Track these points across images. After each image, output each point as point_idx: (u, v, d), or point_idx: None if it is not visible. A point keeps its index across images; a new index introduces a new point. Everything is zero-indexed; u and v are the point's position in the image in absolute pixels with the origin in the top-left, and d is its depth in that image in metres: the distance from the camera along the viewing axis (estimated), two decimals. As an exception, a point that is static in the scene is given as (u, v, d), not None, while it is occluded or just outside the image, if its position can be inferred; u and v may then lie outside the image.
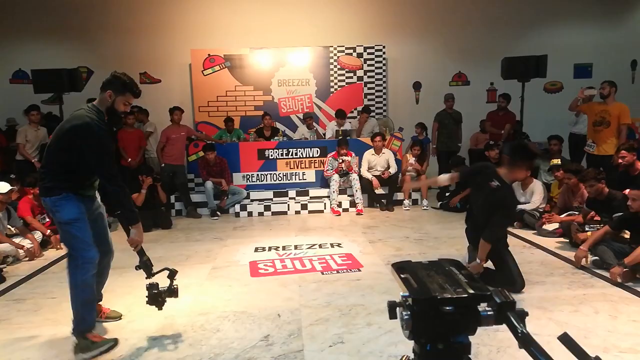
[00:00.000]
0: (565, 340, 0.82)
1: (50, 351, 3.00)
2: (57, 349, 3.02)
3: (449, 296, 0.84)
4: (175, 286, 3.14)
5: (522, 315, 0.87)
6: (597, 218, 4.90)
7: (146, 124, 8.28)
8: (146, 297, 3.12)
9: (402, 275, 0.92)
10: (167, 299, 3.16)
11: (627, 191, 4.41)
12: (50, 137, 3.05)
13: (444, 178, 4.34)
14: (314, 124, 8.75)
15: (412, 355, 0.97)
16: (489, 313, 0.86)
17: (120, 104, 3.02)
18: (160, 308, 3.16)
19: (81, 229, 2.99)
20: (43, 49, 9.52)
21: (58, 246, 5.47)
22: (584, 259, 4.32)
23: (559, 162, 6.12)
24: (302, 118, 9.12)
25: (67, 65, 7.67)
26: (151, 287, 3.12)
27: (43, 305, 3.77)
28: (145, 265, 3.17)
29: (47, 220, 5.71)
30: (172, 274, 3.15)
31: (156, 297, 3.11)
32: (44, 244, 5.48)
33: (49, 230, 5.54)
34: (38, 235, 5.39)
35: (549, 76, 7.90)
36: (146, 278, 3.15)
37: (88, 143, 2.85)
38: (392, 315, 0.91)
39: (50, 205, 2.97)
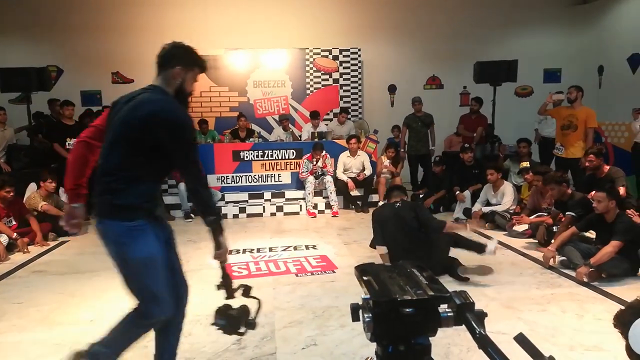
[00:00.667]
0: (521, 340, 0.84)
1: (16, 358, 2.91)
2: (23, 355, 2.94)
3: (409, 298, 0.85)
4: (252, 319, 2.39)
5: (481, 316, 0.89)
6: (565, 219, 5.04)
7: None
8: (221, 323, 2.39)
9: (365, 278, 0.93)
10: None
11: (592, 193, 4.55)
12: (107, 131, 2.22)
13: None
14: (289, 125, 8.74)
15: (374, 357, 0.98)
16: (449, 314, 0.88)
17: (190, 82, 2.41)
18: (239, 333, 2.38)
19: (157, 273, 2.23)
20: (11, 46, 9.27)
21: (25, 250, 5.32)
22: (551, 259, 4.43)
23: (528, 165, 6.27)
24: (278, 120, 9.10)
25: (37, 64, 7.50)
26: (227, 314, 2.39)
27: (8, 311, 3.66)
28: (228, 284, 2.50)
29: (14, 223, 5.55)
30: (247, 291, 2.47)
31: (236, 325, 2.38)
32: (11, 247, 5.32)
33: (15, 234, 5.38)
34: (4, 239, 5.22)
35: (519, 80, 8.10)
36: (226, 299, 2.47)
37: (174, 134, 2.12)
38: (355, 318, 0.92)
39: (119, 233, 2.15)
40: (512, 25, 10.35)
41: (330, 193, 7.30)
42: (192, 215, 7.10)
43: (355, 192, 7.50)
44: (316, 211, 7.34)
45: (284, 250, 5.27)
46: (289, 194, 7.68)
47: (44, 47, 9.36)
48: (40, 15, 9.27)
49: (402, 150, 8.46)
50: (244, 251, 5.26)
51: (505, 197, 6.07)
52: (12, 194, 5.49)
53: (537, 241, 5.21)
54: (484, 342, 0.83)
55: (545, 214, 5.45)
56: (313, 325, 3.27)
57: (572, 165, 6.32)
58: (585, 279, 3.96)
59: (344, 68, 9.76)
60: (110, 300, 3.84)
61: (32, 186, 6.32)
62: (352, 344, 2.97)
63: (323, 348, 2.94)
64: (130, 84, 9.56)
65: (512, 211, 6.04)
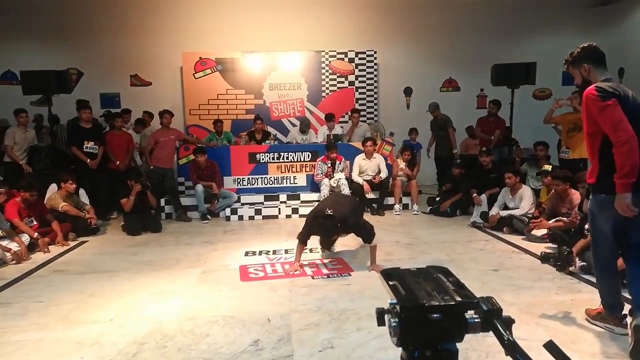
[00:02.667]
0: (551, 347, 0.83)
1: (38, 356, 2.96)
2: (45, 353, 2.98)
3: (437, 303, 0.85)
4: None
5: (509, 322, 0.88)
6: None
7: (147, 128, 8.32)
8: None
9: (391, 282, 0.93)
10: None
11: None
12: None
13: None
14: (309, 131, 8.78)
15: (400, 362, 0.97)
16: (475, 320, 0.87)
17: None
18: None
19: None
20: (33, 50, 9.47)
21: (45, 249, 5.42)
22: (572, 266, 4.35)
23: (550, 168, 6.13)
24: (298, 123, 9.07)
25: (57, 67, 7.64)
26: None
27: (30, 309, 3.73)
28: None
29: (35, 223, 5.65)
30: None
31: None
32: (32, 247, 5.42)
33: (36, 234, 5.48)
34: (25, 238, 5.32)
35: (538, 83, 8.01)
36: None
37: None
38: (381, 322, 0.92)
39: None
40: (530, 27, 10.25)
41: (346, 196, 7.29)
42: (209, 217, 7.15)
43: (370, 195, 7.48)
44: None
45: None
46: (305, 196, 7.70)
47: (64, 50, 9.54)
48: (60, 18, 9.45)
49: (427, 150, 8.69)
50: (260, 253, 5.28)
51: (524, 201, 5.99)
52: (35, 197, 5.62)
53: (556, 246, 5.13)
54: (513, 349, 0.82)
55: (565, 219, 5.37)
56: (329, 328, 3.26)
57: (579, 165, 6.29)
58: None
59: (360, 70, 9.77)
60: (129, 300, 3.89)
61: (53, 187, 6.43)
62: (369, 347, 2.96)
63: (340, 351, 2.93)
64: (148, 87, 9.69)
65: (530, 215, 5.96)
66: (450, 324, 0.86)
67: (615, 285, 3.08)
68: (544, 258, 3.92)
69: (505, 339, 0.84)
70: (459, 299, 0.87)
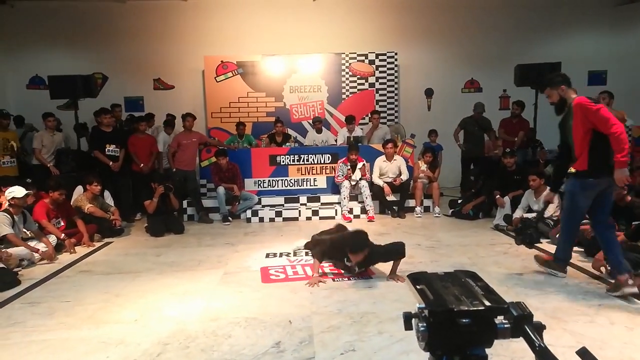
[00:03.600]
0: (584, 354, 0.81)
1: (64, 354, 3.02)
2: (71, 352, 3.05)
3: (466, 308, 0.84)
4: None
5: (540, 328, 0.86)
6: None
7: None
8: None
9: (418, 287, 0.92)
10: None
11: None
12: None
13: None
14: (322, 128, 8.77)
15: (427, 367, 0.96)
16: (505, 326, 0.86)
17: None
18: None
19: None
20: (59, 55, 9.70)
21: (72, 250, 5.54)
22: (602, 268, 4.26)
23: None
24: (311, 122, 9.12)
25: (83, 72, 7.82)
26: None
27: (57, 309, 3.81)
28: None
29: (62, 224, 5.78)
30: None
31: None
32: (59, 247, 5.54)
33: (63, 234, 5.61)
34: (53, 239, 5.45)
35: (563, 83, 7.83)
36: None
37: None
38: (408, 327, 0.91)
39: None
40: (554, 26, 10.05)
41: (366, 198, 7.27)
42: (230, 219, 7.21)
43: (391, 197, 7.44)
44: (352, 216, 7.32)
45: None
46: (325, 198, 7.70)
47: (89, 55, 9.75)
48: (85, 25, 9.67)
49: (459, 143, 8.54)
50: (281, 255, 5.30)
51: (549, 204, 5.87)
52: (64, 196, 5.75)
53: (582, 250, 5.02)
54: (544, 356, 0.81)
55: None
56: (351, 331, 3.25)
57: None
58: (636, 290, 3.78)
59: (380, 72, 9.73)
60: (152, 300, 3.95)
61: (79, 189, 6.57)
62: (391, 351, 2.94)
63: (362, 354, 2.92)
64: (170, 90, 9.83)
65: (555, 218, 5.84)
66: (480, 329, 0.84)
67: (572, 245, 4.25)
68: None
69: (537, 345, 0.82)
70: (488, 304, 0.86)
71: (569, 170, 4.01)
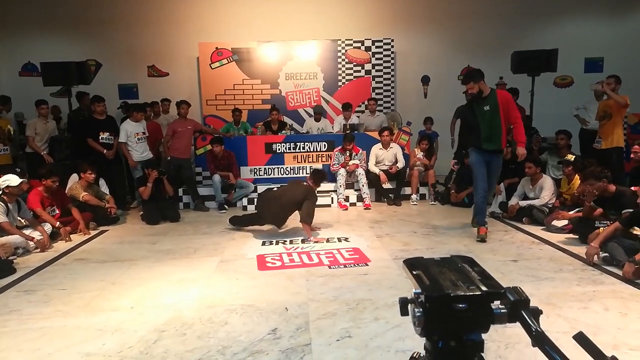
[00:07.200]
0: (581, 339, 0.81)
1: (61, 342, 3.02)
2: (68, 340, 3.05)
3: (462, 293, 0.83)
4: None
5: (536, 313, 0.86)
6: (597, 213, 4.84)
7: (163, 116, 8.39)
8: None
9: (414, 272, 0.91)
10: None
11: (636, 187, 4.37)
12: None
13: None
14: (322, 119, 8.74)
15: (422, 351, 0.96)
16: (502, 311, 0.85)
17: None
18: None
19: None
20: (52, 42, 9.58)
21: (67, 238, 5.52)
22: (595, 256, 4.28)
23: (573, 158, 5.97)
24: (313, 113, 9.04)
25: (76, 58, 7.72)
26: None
27: (53, 297, 3.81)
28: None
29: (57, 212, 5.75)
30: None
31: None
32: (54, 235, 5.52)
33: (58, 222, 5.58)
34: (48, 227, 5.43)
35: (559, 70, 7.82)
36: None
37: None
38: (404, 312, 0.90)
39: None
40: (550, 12, 10.00)
41: (362, 186, 7.27)
42: (226, 207, 7.20)
43: (387, 185, 7.44)
44: (348, 204, 7.32)
45: (316, 242, 5.28)
46: (321, 186, 7.67)
47: (83, 41, 9.63)
48: (79, 10, 9.54)
49: (452, 139, 8.48)
50: (277, 242, 5.30)
51: (544, 191, 5.89)
52: (57, 183, 5.71)
53: (577, 237, 5.04)
54: (541, 340, 0.80)
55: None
56: (347, 318, 3.26)
57: (612, 155, 6.10)
58: (631, 277, 3.82)
59: (377, 59, 9.67)
60: (149, 288, 3.95)
61: (74, 177, 6.53)
62: (387, 337, 2.96)
63: (358, 340, 2.94)
64: (165, 77, 9.74)
65: (550, 205, 5.86)
66: (476, 314, 0.84)
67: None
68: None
69: (534, 329, 0.82)
70: (485, 289, 0.85)
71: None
